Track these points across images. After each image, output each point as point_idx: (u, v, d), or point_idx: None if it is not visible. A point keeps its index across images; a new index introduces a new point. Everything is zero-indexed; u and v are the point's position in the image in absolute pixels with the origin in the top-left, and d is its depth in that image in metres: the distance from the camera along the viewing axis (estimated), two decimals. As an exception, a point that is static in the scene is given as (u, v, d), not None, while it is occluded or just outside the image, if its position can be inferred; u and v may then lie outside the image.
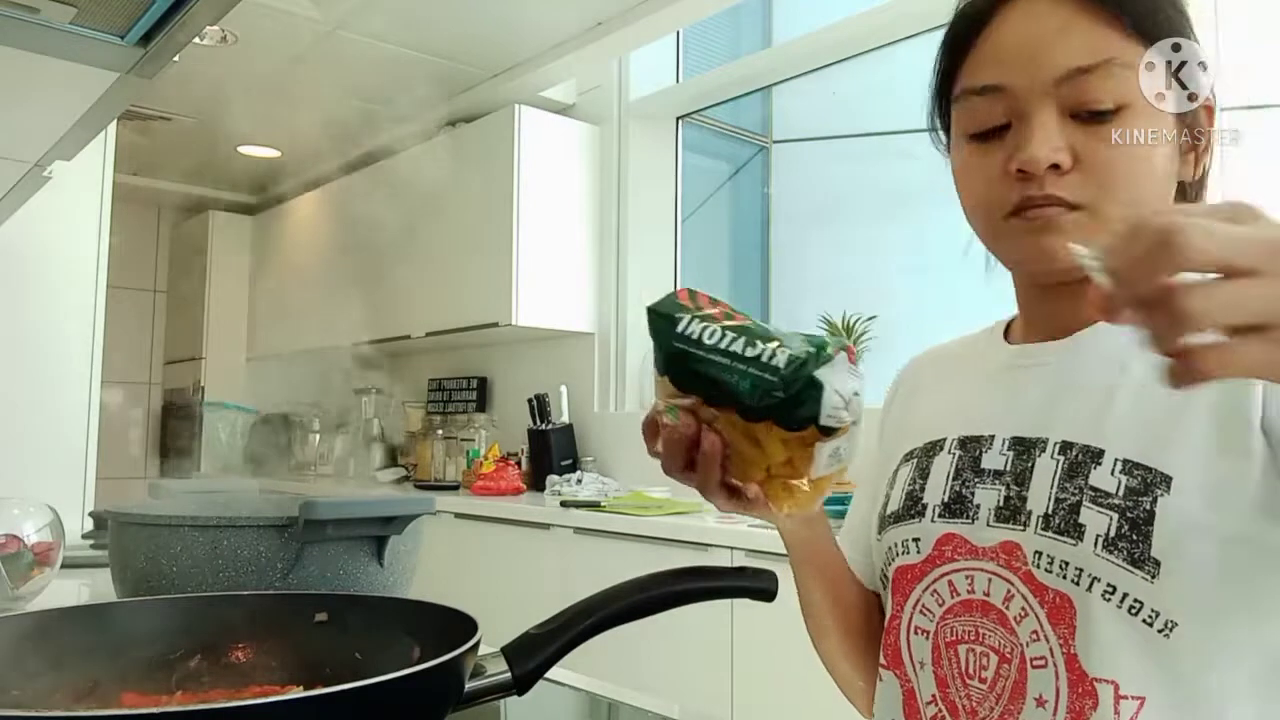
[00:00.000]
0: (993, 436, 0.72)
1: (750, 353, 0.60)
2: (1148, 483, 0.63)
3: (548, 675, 0.64)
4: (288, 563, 0.84)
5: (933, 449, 0.77)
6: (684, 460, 0.63)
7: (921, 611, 0.73)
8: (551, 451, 3.39)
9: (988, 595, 0.68)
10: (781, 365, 0.59)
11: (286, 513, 0.85)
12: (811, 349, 0.59)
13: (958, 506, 0.72)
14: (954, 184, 0.76)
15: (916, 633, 0.73)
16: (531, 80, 3.45)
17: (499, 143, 3.48)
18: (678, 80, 3.63)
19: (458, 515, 3.13)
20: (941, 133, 0.79)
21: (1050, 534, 0.65)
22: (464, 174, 3.67)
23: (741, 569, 0.73)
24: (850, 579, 0.85)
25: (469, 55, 3.40)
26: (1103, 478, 0.64)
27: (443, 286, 3.74)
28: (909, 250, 3.05)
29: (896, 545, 0.76)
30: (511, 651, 0.63)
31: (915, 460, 0.78)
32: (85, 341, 2.11)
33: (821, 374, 0.58)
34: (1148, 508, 0.62)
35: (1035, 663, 0.65)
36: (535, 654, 0.62)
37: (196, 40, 0.90)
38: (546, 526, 2.80)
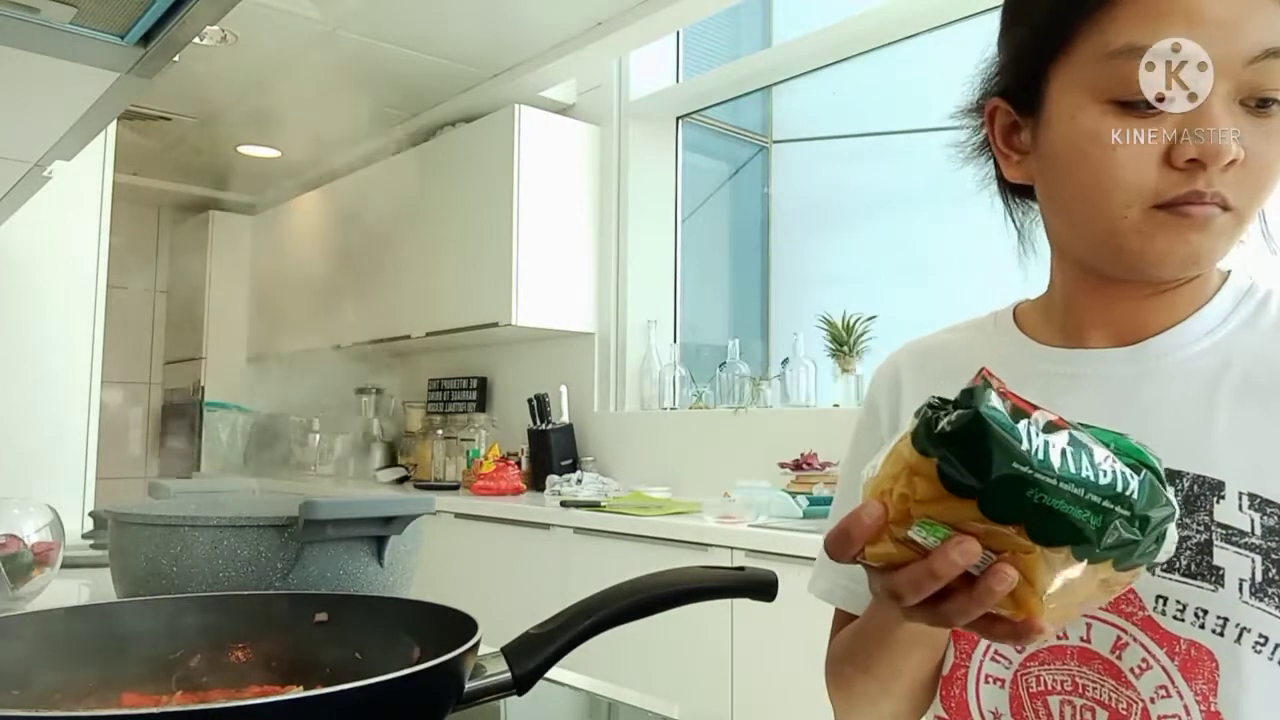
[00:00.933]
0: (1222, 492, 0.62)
1: (1103, 480, 0.45)
2: None
3: (548, 675, 0.64)
4: (288, 563, 0.84)
5: None
6: (938, 588, 0.48)
7: (993, 659, 0.66)
8: (551, 451, 3.40)
9: (1087, 642, 0.61)
10: (1135, 496, 0.46)
11: (286, 513, 0.85)
12: (1148, 476, 0.46)
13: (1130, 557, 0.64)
14: (1059, 158, 0.62)
15: (988, 681, 0.66)
16: (531, 80, 3.45)
17: (499, 143, 3.48)
18: (678, 80, 3.63)
19: (458, 515, 3.13)
20: (1003, 104, 0.67)
21: (1176, 577, 0.58)
22: (464, 174, 3.67)
23: (741, 569, 0.73)
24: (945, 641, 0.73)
25: (469, 55, 3.40)
26: (1229, 513, 0.58)
27: (443, 286, 3.74)
28: (909, 250, 3.05)
29: None
30: (511, 651, 0.63)
31: None
32: (85, 341, 2.11)
33: (1162, 526, 0.47)
34: None
35: (1170, 715, 0.59)
36: (535, 654, 0.62)
37: (196, 40, 0.90)
38: (546, 526, 2.80)
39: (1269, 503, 0.57)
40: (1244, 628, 0.56)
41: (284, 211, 4.87)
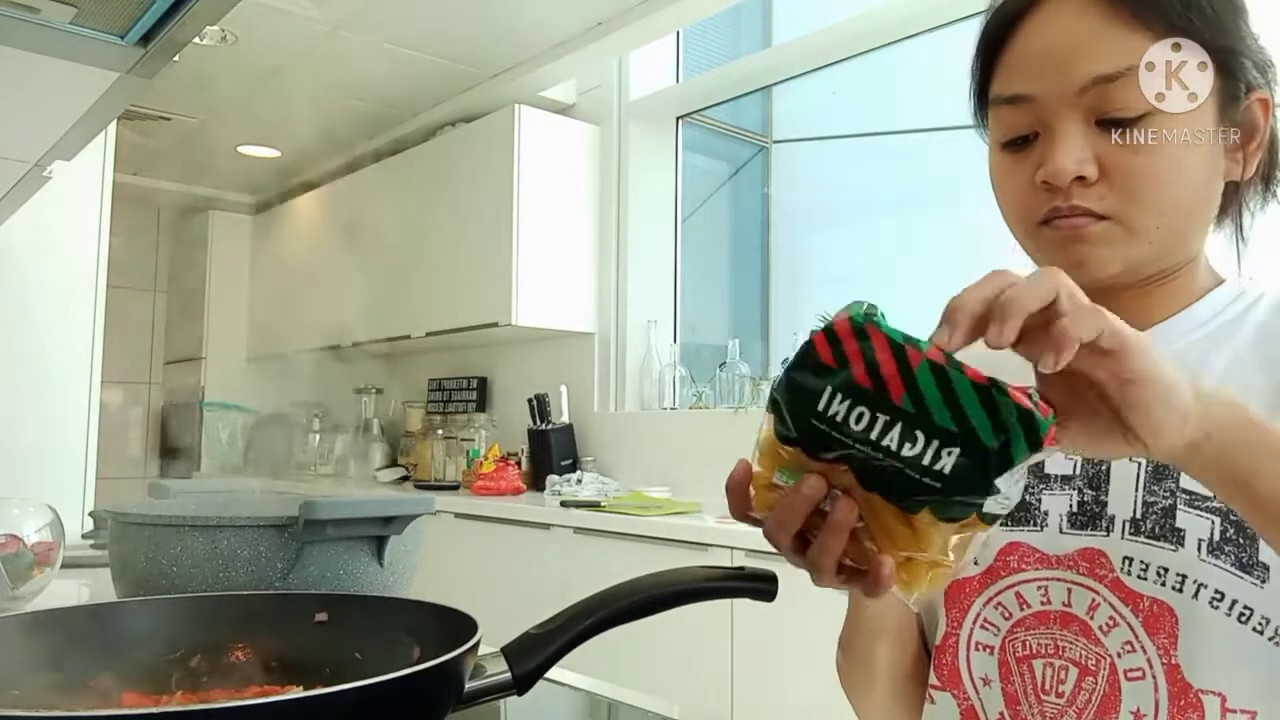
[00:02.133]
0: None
1: (908, 451, 0.49)
2: None
3: (548, 675, 0.64)
4: (288, 563, 0.84)
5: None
6: (799, 527, 0.52)
7: (984, 626, 0.69)
8: (551, 451, 3.40)
9: (1068, 606, 0.65)
10: (948, 472, 0.49)
11: (286, 513, 0.85)
12: (996, 446, 0.48)
13: (1022, 514, 0.68)
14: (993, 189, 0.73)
15: (978, 649, 0.70)
16: (531, 80, 3.45)
17: (499, 143, 3.48)
18: (678, 80, 3.63)
19: (458, 515, 3.13)
20: (985, 130, 0.76)
21: (1143, 539, 0.63)
22: (464, 174, 3.67)
23: (741, 569, 0.73)
24: (917, 632, 0.78)
25: (469, 55, 3.40)
26: (1196, 480, 0.62)
27: (443, 286, 3.74)
28: (909, 250, 3.05)
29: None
30: (511, 651, 0.63)
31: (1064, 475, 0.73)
32: (85, 341, 2.11)
33: (999, 482, 0.49)
34: None
35: (1130, 674, 0.63)
36: (535, 654, 0.62)
37: (196, 40, 0.90)
38: (546, 526, 2.80)
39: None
40: (1201, 584, 0.60)
41: (284, 211, 4.87)
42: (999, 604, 0.68)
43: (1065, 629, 0.65)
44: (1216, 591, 0.60)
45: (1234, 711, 0.60)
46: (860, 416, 0.50)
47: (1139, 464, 0.65)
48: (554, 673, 0.66)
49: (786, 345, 3.06)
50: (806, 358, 0.52)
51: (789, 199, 3.63)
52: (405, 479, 4.16)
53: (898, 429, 0.49)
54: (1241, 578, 0.59)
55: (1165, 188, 0.64)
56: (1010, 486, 0.50)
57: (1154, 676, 0.62)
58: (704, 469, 3.03)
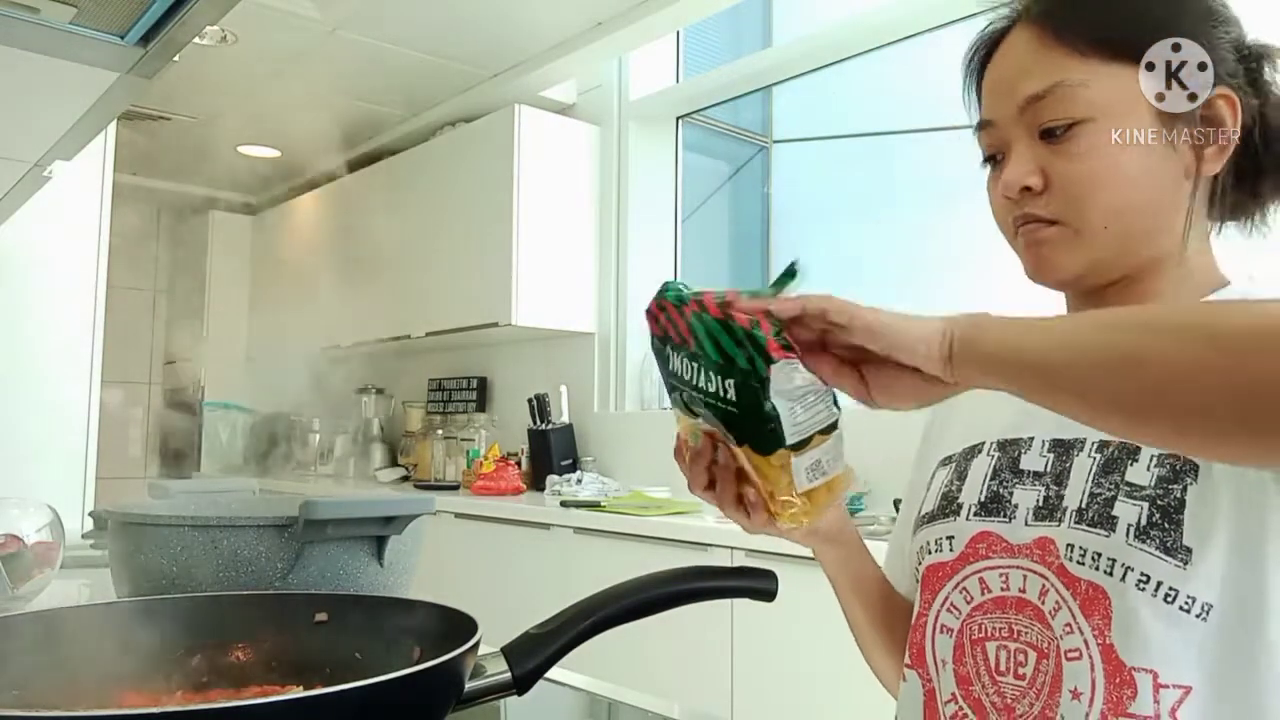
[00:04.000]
0: (1032, 439, 0.73)
1: (710, 387, 0.60)
2: (1177, 471, 0.64)
3: (548, 675, 0.64)
4: (288, 563, 0.84)
5: (971, 452, 0.78)
6: (705, 479, 0.67)
7: (949, 609, 0.73)
8: (551, 451, 3.39)
9: (1024, 592, 0.69)
10: (735, 398, 0.59)
11: (286, 513, 0.85)
12: (747, 365, 0.58)
13: (995, 506, 0.73)
14: None
15: (942, 631, 0.73)
16: (531, 80, 3.45)
17: (499, 143, 3.48)
18: (678, 80, 3.63)
19: (458, 515, 3.13)
20: None
21: (1083, 527, 0.66)
22: (464, 174, 3.67)
23: (741, 569, 0.73)
24: (890, 592, 0.85)
25: (469, 55, 3.40)
26: (1138, 473, 0.65)
27: (443, 286, 3.74)
28: (909, 250, 3.05)
29: (929, 544, 0.76)
30: (511, 651, 0.63)
31: (954, 464, 0.79)
32: (85, 341, 2.11)
33: (773, 400, 0.58)
34: (1178, 495, 0.63)
35: (1070, 655, 0.66)
36: (535, 654, 0.62)
37: (196, 40, 0.90)
38: (546, 526, 2.80)
39: (1170, 456, 0.65)
40: (1129, 567, 0.64)
41: (284, 211, 4.87)
42: (964, 589, 0.73)
43: (1020, 614, 0.69)
44: (1143, 574, 0.63)
45: (1166, 687, 0.62)
46: (686, 369, 0.61)
47: (1093, 459, 0.69)
48: (554, 673, 0.66)
49: (786, 345, 3.06)
50: (651, 335, 0.63)
51: (789, 199, 3.63)
52: (405, 479, 4.16)
53: (703, 372, 0.60)
54: (1165, 560, 0.63)
55: (1104, 190, 0.68)
56: (792, 408, 0.59)
57: (1090, 656, 0.65)
58: (704, 469, 3.02)
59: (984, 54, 0.76)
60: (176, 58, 0.88)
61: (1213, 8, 0.71)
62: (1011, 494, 0.72)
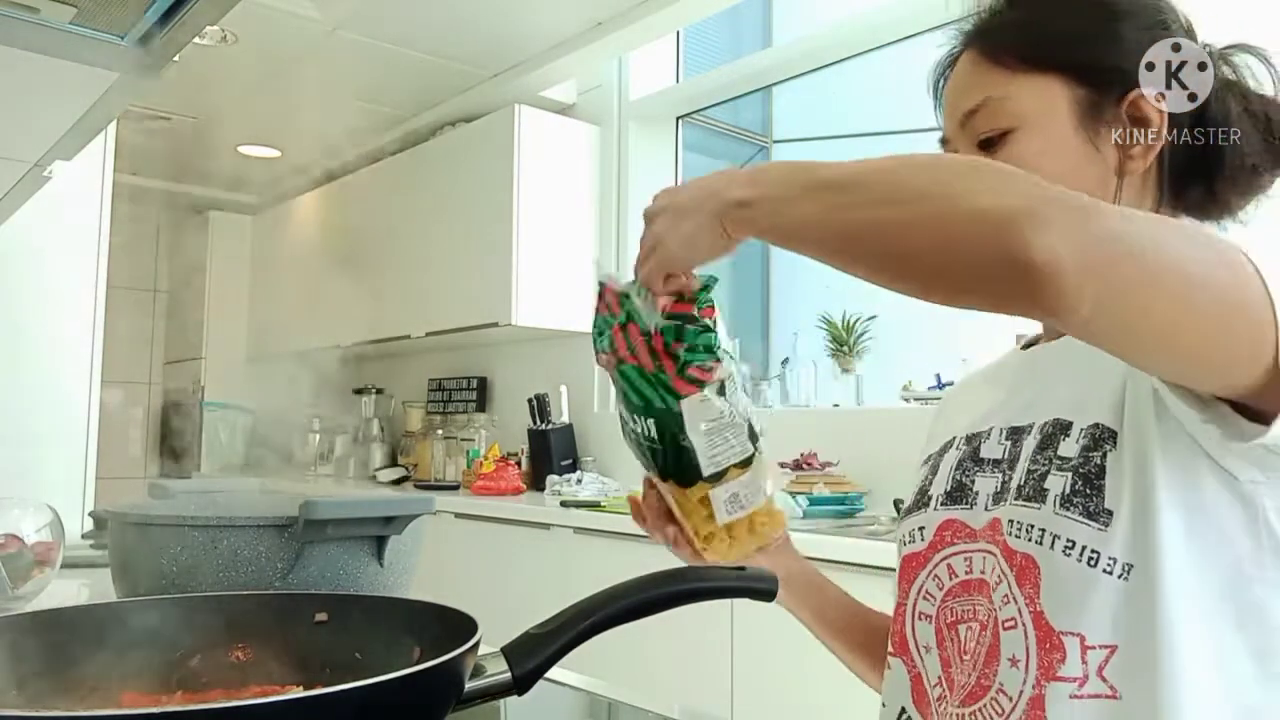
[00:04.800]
0: (991, 429, 0.77)
1: (639, 428, 0.66)
2: (1098, 439, 0.67)
3: (548, 675, 0.64)
4: (288, 563, 0.84)
5: (945, 448, 0.82)
6: (645, 520, 0.81)
7: (925, 597, 0.76)
8: (551, 451, 3.39)
9: (983, 573, 0.72)
10: (656, 435, 0.65)
11: (286, 513, 0.85)
12: (661, 404, 0.64)
13: (959, 494, 0.76)
14: None
15: (921, 618, 0.76)
16: (531, 80, 3.45)
17: (499, 143, 3.48)
18: (678, 80, 3.63)
19: (458, 515, 3.13)
20: None
21: (1020, 503, 0.70)
22: (464, 174, 3.67)
23: (741, 569, 0.73)
24: (864, 614, 0.91)
25: (469, 55, 3.40)
26: (1069, 447, 0.69)
27: (443, 286, 3.74)
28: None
29: (905, 536, 0.80)
30: (511, 651, 0.63)
31: (930, 461, 0.84)
32: (85, 341, 2.11)
33: (688, 433, 0.63)
34: (1098, 463, 0.66)
35: (1006, 625, 0.68)
36: (535, 654, 0.62)
37: (196, 40, 0.90)
38: (546, 526, 2.80)
39: (1094, 426, 0.68)
40: (1055, 535, 0.66)
41: (284, 211, 4.87)
42: (935, 575, 0.76)
43: (979, 594, 0.72)
44: (1069, 540, 0.65)
45: (1093, 648, 0.64)
46: (624, 412, 0.68)
47: (1034, 440, 0.72)
48: (554, 673, 0.66)
49: (786, 345, 3.06)
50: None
51: (789, 199, 3.62)
52: (405, 479, 4.16)
53: (633, 415, 0.66)
54: (1088, 525, 0.65)
55: None
56: (710, 440, 0.64)
57: (1023, 624, 0.67)
58: (704, 469, 3.02)
59: (943, 76, 0.82)
60: (176, 58, 0.88)
61: (1132, 10, 0.74)
62: (974, 482, 0.76)
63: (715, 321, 0.69)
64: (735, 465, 0.66)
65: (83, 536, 1.58)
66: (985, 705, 0.69)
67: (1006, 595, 0.68)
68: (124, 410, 5.14)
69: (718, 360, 0.67)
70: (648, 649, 2.17)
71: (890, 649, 0.79)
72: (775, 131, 3.84)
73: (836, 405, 2.84)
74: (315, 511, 0.82)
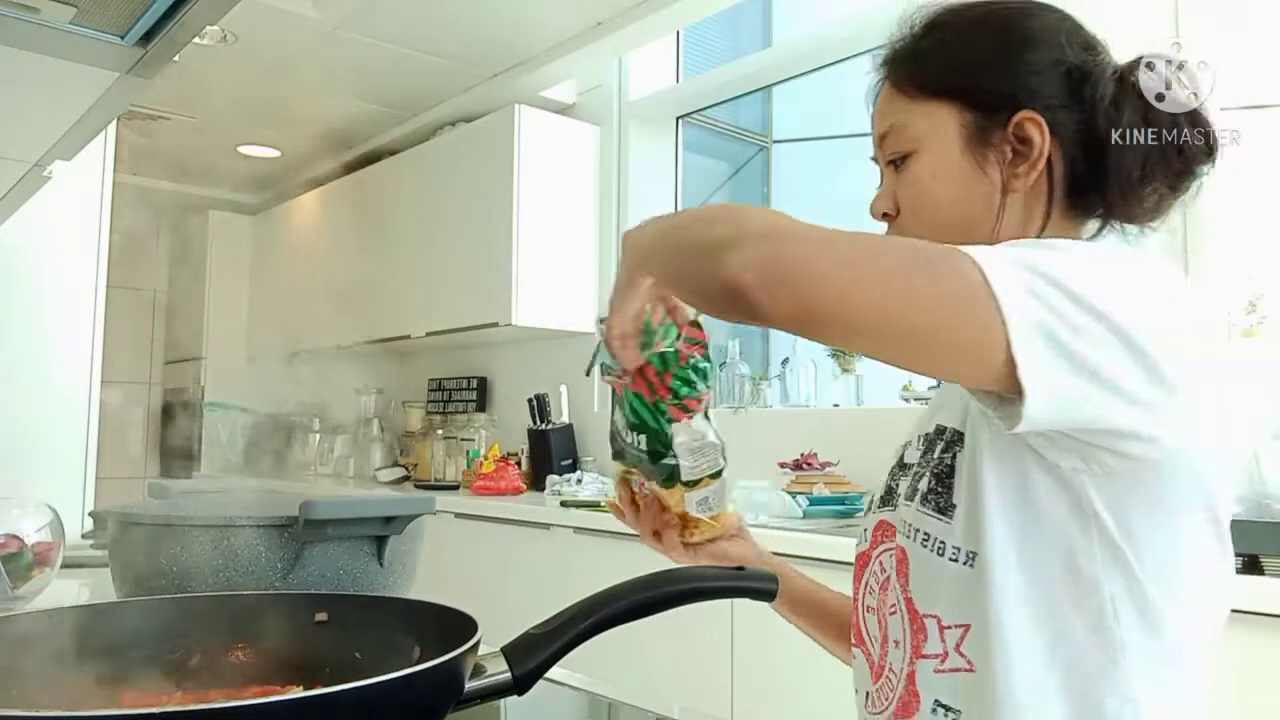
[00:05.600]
0: (916, 435, 0.84)
1: (627, 439, 0.81)
2: (950, 441, 0.75)
3: (548, 675, 0.64)
4: (288, 563, 0.84)
5: (893, 457, 0.89)
6: (633, 513, 0.91)
7: (869, 591, 0.82)
8: (551, 451, 3.39)
9: (894, 568, 0.79)
10: (645, 449, 0.79)
11: (286, 513, 0.85)
12: (655, 425, 0.78)
13: (887, 497, 0.83)
14: None
15: (868, 611, 0.82)
16: (531, 80, 3.45)
17: (499, 143, 3.48)
18: (678, 80, 3.63)
19: (458, 515, 3.13)
20: None
21: (906, 502, 0.78)
22: (464, 174, 3.67)
23: (741, 569, 0.73)
24: (811, 594, 0.99)
25: (469, 55, 3.40)
26: (939, 449, 0.77)
27: (443, 286, 3.74)
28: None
29: (858, 538, 0.88)
30: (511, 651, 0.63)
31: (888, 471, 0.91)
32: (85, 341, 2.11)
33: (674, 454, 0.78)
34: (949, 463, 0.74)
35: (890, 611, 0.77)
36: (535, 654, 0.62)
37: (196, 40, 0.89)
38: (546, 526, 2.80)
39: (950, 429, 0.76)
40: (917, 529, 0.75)
41: (284, 211, 4.87)
42: (874, 572, 0.83)
43: (893, 587, 0.79)
44: (925, 533, 0.74)
45: (950, 628, 0.71)
46: (620, 425, 0.83)
47: (925, 444, 0.80)
48: (554, 673, 0.66)
49: (786, 345, 3.06)
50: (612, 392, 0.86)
51: (789, 199, 3.63)
52: (405, 479, 4.16)
53: (630, 432, 0.80)
54: (938, 519, 0.73)
55: (923, 211, 0.79)
56: (688, 455, 0.78)
57: (900, 610, 0.76)
58: (704, 469, 3.02)
59: (873, 100, 0.88)
60: (176, 58, 0.88)
61: (1025, 35, 0.77)
62: (898, 485, 0.82)
63: (707, 353, 0.80)
64: (709, 475, 0.80)
65: (83, 536, 1.58)
66: (883, 684, 0.78)
67: (887, 581, 0.78)
68: (124, 410, 5.14)
69: (708, 389, 0.80)
70: (648, 649, 2.17)
71: (852, 639, 0.86)
72: (775, 131, 3.84)
73: (836, 405, 2.84)
74: (315, 511, 0.83)
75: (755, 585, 0.71)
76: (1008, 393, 0.60)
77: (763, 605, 0.74)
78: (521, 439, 3.58)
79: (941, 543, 0.72)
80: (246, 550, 0.83)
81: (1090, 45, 0.78)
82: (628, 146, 3.55)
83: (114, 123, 1.85)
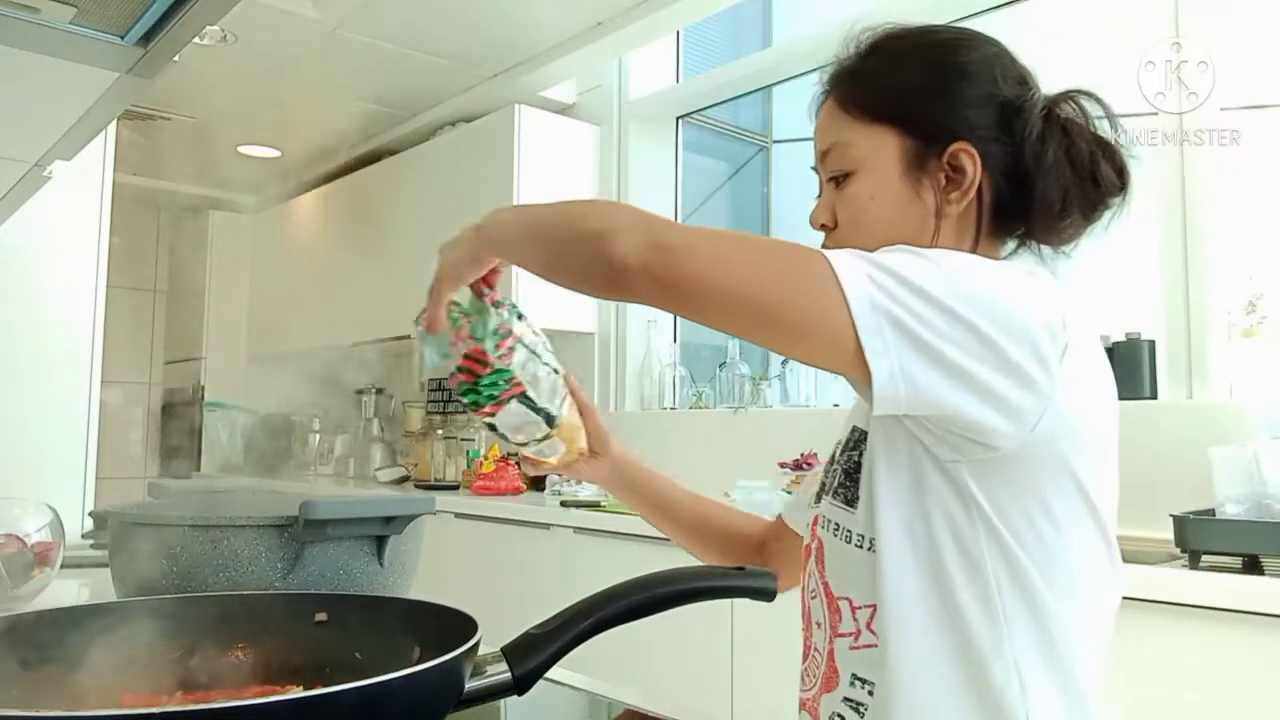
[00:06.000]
0: (847, 434, 0.89)
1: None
2: (856, 441, 0.82)
3: (548, 675, 0.64)
4: (288, 563, 0.84)
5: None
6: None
7: (810, 577, 0.88)
8: (551, 451, 3.39)
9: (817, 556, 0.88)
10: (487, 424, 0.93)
11: (286, 513, 0.85)
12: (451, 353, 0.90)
13: (820, 492, 0.90)
14: None
15: (812, 597, 0.87)
16: (531, 80, 3.45)
17: (499, 143, 3.48)
18: (678, 80, 3.63)
19: (458, 515, 3.13)
20: None
21: (825, 496, 0.86)
22: (464, 174, 3.67)
23: (741, 569, 0.73)
24: (702, 512, 1.18)
25: (469, 55, 3.40)
26: (853, 447, 0.83)
27: (443, 286, 3.73)
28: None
29: (803, 530, 0.95)
30: (511, 651, 0.63)
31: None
32: (85, 341, 2.11)
33: (501, 432, 0.91)
34: (855, 459, 0.81)
35: (812, 595, 0.85)
36: (535, 654, 0.62)
37: (196, 40, 0.89)
38: (546, 526, 2.80)
39: (858, 429, 0.82)
40: (829, 519, 0.83)
41: (284, 211, 4.87)
42: (809, 560, 0.89)
43: (813, 573, 0.87)
44: (836, 523, 0.82)
45: (860, 608, 0.78)
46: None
47: (845, 442, 0.86)
48: (554, 673, 0.66)
49: (786, 345, 3.06)
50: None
51: (789, 199, 3.63)
52: (405, 479, 4.16)
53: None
54: (845, 510, 0.81)
55: (862, 229, 0.84)
56: (511, 432, 0.91)
57: (820, 594, 0.83)
58: (704, 469, 3.02)
59: (816, 113, 0.92)
60: (176, 58, 0.88)
61: (964, 69, 0.82)
62: (830, 480, 0.88)
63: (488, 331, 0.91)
64: (535, 440, 0.93)
65: (83, 536, 1.58)
66: (810, 663, 0.86)
67: (812, 572, 0.85)
68: (124, 410, 5.14)
69: (511, 334, 0.91)
70: (648, 649, 2.17)
71: (803, 624, 0.91)
72: (775, 131, 3.84)
73: (836, 405, 2.84)
74: (315, 511, 0.83)
75: (755, 585, 0.71)
76: (866, 377, 0.67)
77: (763, 605, 0.74)
78: (521, 439, 3.58)
79: (849, 531, 0.80)
80: (246, 550, 0.83)
81: (1022, 79, 0.83)
82: (628, 146, 3.55)
83: (114, 123, 1.85)
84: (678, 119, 3.63)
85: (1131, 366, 2.14)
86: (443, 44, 3.31)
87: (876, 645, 0.76)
